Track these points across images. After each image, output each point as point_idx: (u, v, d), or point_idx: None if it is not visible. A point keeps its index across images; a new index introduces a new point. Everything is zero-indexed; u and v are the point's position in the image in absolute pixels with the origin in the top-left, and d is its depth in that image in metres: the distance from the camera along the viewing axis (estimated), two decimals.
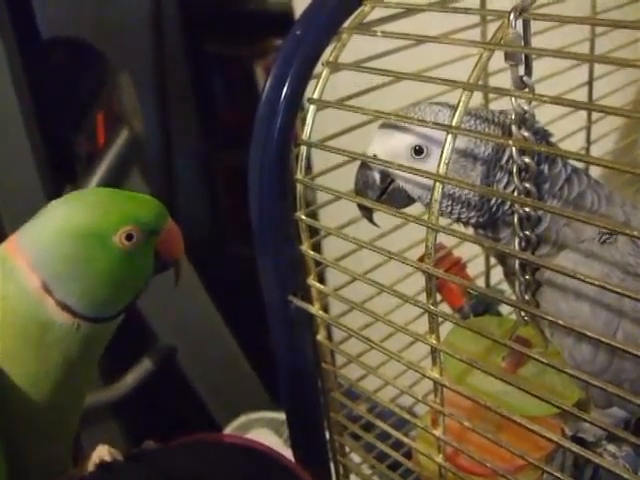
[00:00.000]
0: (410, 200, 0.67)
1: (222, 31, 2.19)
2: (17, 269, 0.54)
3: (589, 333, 0.46)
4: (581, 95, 0.96)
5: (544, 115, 0.74)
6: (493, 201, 0.62)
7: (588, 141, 0.97)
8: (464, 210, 0.63)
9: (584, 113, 0.93)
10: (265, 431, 1.59)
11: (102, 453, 0.64)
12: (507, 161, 0.62)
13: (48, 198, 1.61)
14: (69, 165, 1.70)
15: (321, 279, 0.71)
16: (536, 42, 0.63)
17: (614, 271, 0.62)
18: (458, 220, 0.65)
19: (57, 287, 0.55)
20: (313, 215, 0.69)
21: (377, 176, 0.66)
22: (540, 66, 0.69)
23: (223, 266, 2.06)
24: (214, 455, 0.68)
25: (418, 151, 0.63)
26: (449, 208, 0.64)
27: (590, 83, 0.95)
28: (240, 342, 1.84)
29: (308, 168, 0.67)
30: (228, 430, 1.57)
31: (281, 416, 1.56)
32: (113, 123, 1.70)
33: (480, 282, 0.93)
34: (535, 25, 0.63)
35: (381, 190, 0.66)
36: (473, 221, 0.64)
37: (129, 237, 0.56)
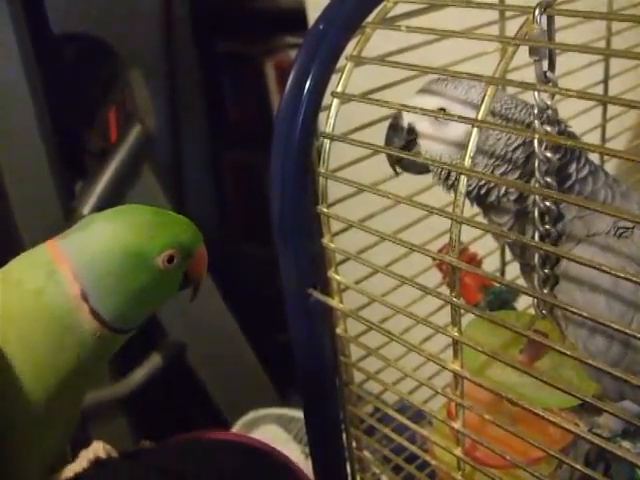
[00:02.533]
0: (426, 167, 0.70)
1: (233, 29, 2.20)
2: (60, 274, 0.57)
3: (604, 321, 0.47)
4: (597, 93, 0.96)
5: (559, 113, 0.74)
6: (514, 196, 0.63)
7: (603, 139, 0.97)
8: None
9: (599, 112, 0.94)
10: (274, 427, 1.59)
11: (97, 449, 0.65)
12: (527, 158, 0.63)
13: (59, 194, 1.62)
14: (81, 161, 1.71)
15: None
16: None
17: (630, 264, 0.63)
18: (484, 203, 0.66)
19: (94, 297, 0.57)
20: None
21: (406, 127, 0.69)
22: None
23: (232, 263, 2.07)
24: (210, 453, 0.69)
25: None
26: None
27: (606, 82, 0.96)
28: (249, 338, 1.85)
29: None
30: (237, 426, 1.58)
31: (290, 412, 1.57)
32: (125, 119, 1.70)
33: None
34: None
35: (406, 141, 0.69)
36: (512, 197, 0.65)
37: (170, 259, 0.59)
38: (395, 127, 0.69)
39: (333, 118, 0.64)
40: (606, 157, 0.97)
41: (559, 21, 0.73)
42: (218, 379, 1.81)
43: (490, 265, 0.90)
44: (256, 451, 0.71)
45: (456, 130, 0.65)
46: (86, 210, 1.60)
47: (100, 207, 1.61)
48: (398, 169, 0.71)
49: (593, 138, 0.96)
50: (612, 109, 0.94)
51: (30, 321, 0.57)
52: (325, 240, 0.68)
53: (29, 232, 1.56)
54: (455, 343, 0.59)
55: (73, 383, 0.60)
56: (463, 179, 0.54)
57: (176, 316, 1.74)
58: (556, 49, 0.55)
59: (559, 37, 0.79)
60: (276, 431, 1.57)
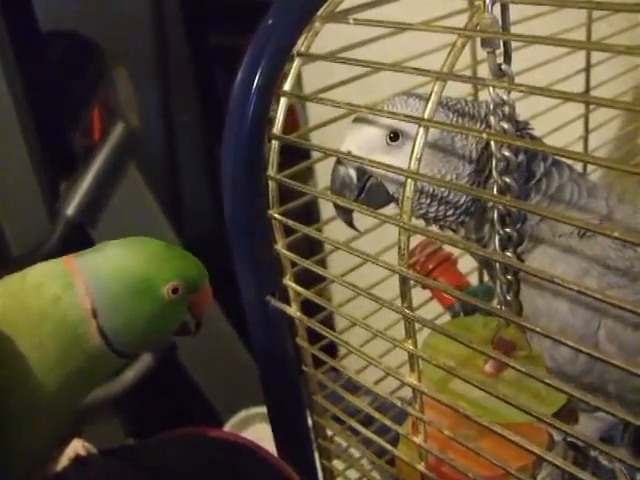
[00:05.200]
0: (390, 197, 0.63)
1: (224, 21, 2.16)
2: (75, 286, 0.61)
3: (565, 341, 0.43)
4: (579, 82, 0.92)
5: (540, 103, 0.70)
6: (469, 199, 0.59)
7: (586, 129, 0.93)
8: (441, 209, 0.60)
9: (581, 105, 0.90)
10: (265, 426, 1.57)
11: (76, 447, 0.66)
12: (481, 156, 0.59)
13: (43, 194, 1.59)
14: (65, 160, 1.69)
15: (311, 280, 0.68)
16: (530, 27, 0.60)
17: (594, 266, 0.59)
18: (435, 220, 0.61)
19: (103, 315, 0.61)
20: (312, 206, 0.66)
21: (353, 174, 0.62)
22: (535, 53, 0.66)
23: (225, 261, 2.04)
24: (192, 449, 0.68)
25: (393, 137, 0.60)
26: (424, 207, 0.60)
27: (587, 70, 0.92)
28: (240, 337, 1.82)
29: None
30: (228, 425, 1.56)
31: None
32: (109, 118, 1.68)
33: (473, 278, 0.90)
34: (528, 10, 0.60)
35: (359, 189, 0.62)
36: (451, 219, 0.60)
37: (175, 290, 0.62)
38: (342, 180, 0.62)
39: (281, 118, 0.60)
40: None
41: (533, 9, 0.69)
42: (210, 378, 1.80)
43: (468, 264, 0.87)
44: (237, 447, 0.70)
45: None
46: (70, 211, 1.58)
47: (85, 207, 1.59)
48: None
49: (577, 128, 0.93)
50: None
51: (45, 323, 0.60)
52: (278, 246, 0.64)
53: (13, 232, 1.54)
54: (411, 356, 0.56)
55: (72, 392, 0.62)
56: (410, 183, 0.50)
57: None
58: (510, 40, 0.51)
59: (540, 23, 0.75)
60: (267, 430, 1.55)
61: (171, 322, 0.65)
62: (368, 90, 0.74)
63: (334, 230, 0.67)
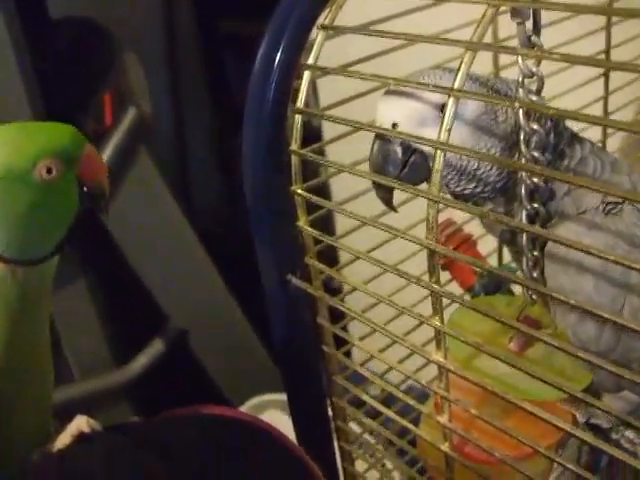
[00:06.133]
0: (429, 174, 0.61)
1: (234, 9, 2.15)
2: None
3: (591, 308, 0.42)
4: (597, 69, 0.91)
5: (558, 86, 0.69)
6: (500, 175, 0.58)
7: (605, 112, 0.92)
8: (471, 185, 0.59)
9: (601, 83, 0.89)
10: (278, 412, 1.58)
11: (80, 424, 0.62)
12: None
13: None
14: None
15: (333, 259, 0.67)
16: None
17: (619, 243, 0.58)
18: (465, 197, 0.60)
19: None
20: (322, 190, 0.65)
21: (399, 149, 0.59)
22: (552, 34, 0.65)
23: (236, 248, 2.03)
24: (195, 426, 0.67)
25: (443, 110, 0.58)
26: (454, 183, 0.59)
27: (607, 52, 0.90)
28: (253, 323, 1.82)
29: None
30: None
31: None
32: (120, 103, 1.67)
33: (492, 260, 0.89)
34: None
35: (403, 164, 0.59)
36: (484, 195, 0.59)
37: (49, 171, 0.54)
38: (386, 155, 0.59)
39: (304, 92, 0.60)
40: (609, 131, 0.93)
41: None
42: (222, 364, 1.80)
43: (487, 246, 0.86)
44: (242, 424, 0.69)
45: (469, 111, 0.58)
46: None
47: None
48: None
49: (595, 110, 0.91)
50: (615, 81, 0.89)
51: None
52: (300, 223, 0.63)
53: None
54: (437, 333, 0.55)
55: (16, 337, 0.56)
56: (439, 155, 0.49)
57: (178, 301, 1.72)
58: (542, 9, 0.50)
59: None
60: (280, 416, 1.56)
61: (63, 205, 0.57)
62: (384, 69, 0.73)
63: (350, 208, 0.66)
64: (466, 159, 0.58)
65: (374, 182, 0.60)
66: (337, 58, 0.63)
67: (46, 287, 0.58)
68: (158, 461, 0.62)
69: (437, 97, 0.57)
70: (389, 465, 0.98)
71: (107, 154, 1.59)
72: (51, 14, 1.73)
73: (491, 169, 0.58)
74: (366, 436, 0.84)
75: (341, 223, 0.64)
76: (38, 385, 0.63)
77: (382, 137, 0.60)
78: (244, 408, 1.58)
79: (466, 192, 0.60)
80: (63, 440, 0.62)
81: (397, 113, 0.59)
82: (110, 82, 1.71)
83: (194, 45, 2.23)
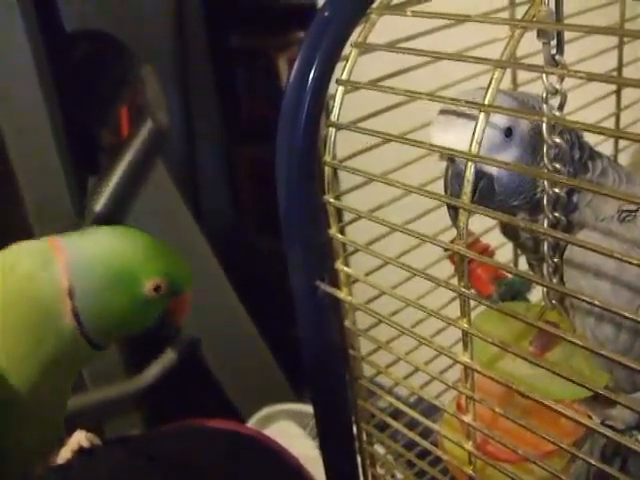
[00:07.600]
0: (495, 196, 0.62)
1: (245, 23, 2.19)
2: (55, 263, 0.59)
3: (609, 307, 0.45)
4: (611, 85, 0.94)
5: (570, 103, 0.72)
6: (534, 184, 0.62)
7: (617, 127, 0.95)
8: (503, 197, 0.62)
9: (613, 100, 0.92)
10: (288, 423, 1.58)
11: (80, 439, 0.65)
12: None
13: (72, 191, 1.62)
14: (93, 157, 1.71)
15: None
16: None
17: (634, 249, 0.61)
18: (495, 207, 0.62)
19: (79, 297, 0.59)
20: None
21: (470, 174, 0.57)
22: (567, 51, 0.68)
23: (246, 257, 2.06)
24: (195, 439, 0.69)
25: (508, 133, 0.60)
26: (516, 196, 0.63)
27: (620, 70, 0.93)
28: (263, 334, 1.84)
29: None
30: (251, 422, 1.57)
31: (304, 408, 1.56)
32: (137, 115, 1.70)
33: None
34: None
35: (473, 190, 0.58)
36: (514, 204, 0.63)
37: (157, 288, 0.60)
38: (457, 176, 0.60)
39: (338, 106, 0.63)
40: (620, 147, 0.96)
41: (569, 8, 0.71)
42: (232, 375, 1.81)
43: (502, 257, 0.89)
44: (241, 437, 0.72)
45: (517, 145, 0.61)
46: (98, 207, 1.60)
47: (112, 204, 1.61)
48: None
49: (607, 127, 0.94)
50: (627, 97, 0.92)
51: (17, 302, 0.58)
52: (332, 231, 0.66)
53: (42, 230, 1.56)
54: (465, 335, 0.58)
55: (50, 377, 0.61)
56: (470, 166, 0.52)
57: (190, 312, 1.74)
58: (565, 30, 0.53)
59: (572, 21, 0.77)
60: (290, 427, 1.57)
61: (146, 320, 0.63)
62: (406, 85, 0.76)
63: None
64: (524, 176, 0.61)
65: (448, 207, 0.61)
66: (358, 73, 0.66)
67: (82, 365, 0.66)
68: (158, 474, 0.65)
69: (498, 121, 0.60)
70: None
71: (124, 166, 1.62)
72: (68, 29, 1.77)
73: (537, 182, 0.62)
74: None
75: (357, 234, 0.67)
76: (55, 409, 0.65)
77: (453, 161, 0.61)
78: (255, 419, 1.59)
79: (515, 203, 0.63)
80: (64, 455, 0.65)
81: (460, 137, 0.57)
82: (127, 94, 1.74)
83: (206, 58, 2.27)
